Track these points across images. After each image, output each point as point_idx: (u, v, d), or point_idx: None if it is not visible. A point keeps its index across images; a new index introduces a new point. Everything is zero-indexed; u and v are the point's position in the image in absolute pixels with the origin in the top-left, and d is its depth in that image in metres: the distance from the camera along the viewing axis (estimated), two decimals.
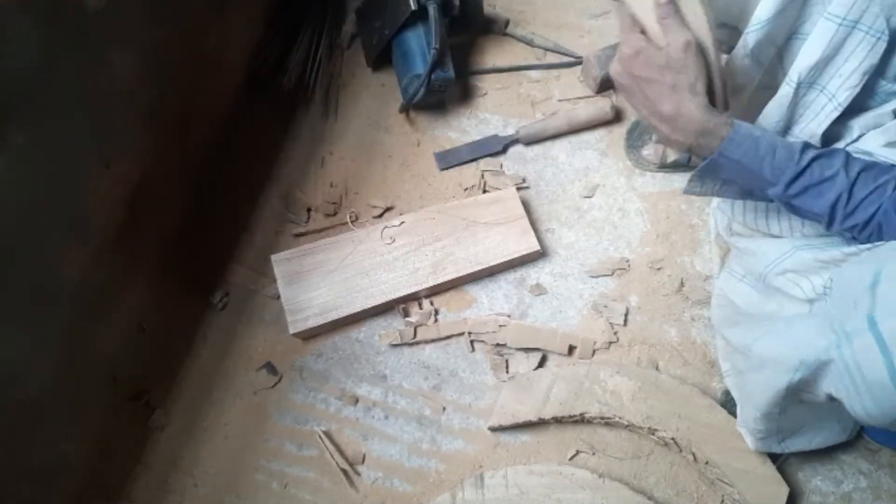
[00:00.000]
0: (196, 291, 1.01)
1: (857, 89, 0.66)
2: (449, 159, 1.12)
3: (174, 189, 1.01)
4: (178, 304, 1.00)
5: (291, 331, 0.94)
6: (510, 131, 1.14)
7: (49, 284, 0.74)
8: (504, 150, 1.14)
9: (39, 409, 0.75)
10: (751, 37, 0.69)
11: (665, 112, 0.65)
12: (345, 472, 0.89)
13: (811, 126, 0.71)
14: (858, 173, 0.62)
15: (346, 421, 0.93)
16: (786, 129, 0.73)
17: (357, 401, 0.94)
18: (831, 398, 0.60)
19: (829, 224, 0.65)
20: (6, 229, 0.65)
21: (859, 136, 0.70)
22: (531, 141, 1.14)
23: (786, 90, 0.70)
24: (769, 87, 0.74)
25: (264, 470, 0.90)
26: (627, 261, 1.04)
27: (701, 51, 0.65)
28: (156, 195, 0.92)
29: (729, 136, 0.63)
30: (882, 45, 0.64)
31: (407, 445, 0.92)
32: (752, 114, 0.79)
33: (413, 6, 1.05)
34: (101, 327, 0.85)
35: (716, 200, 0.98)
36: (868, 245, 0.62)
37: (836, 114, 0.68)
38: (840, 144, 0.71)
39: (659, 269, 1.03)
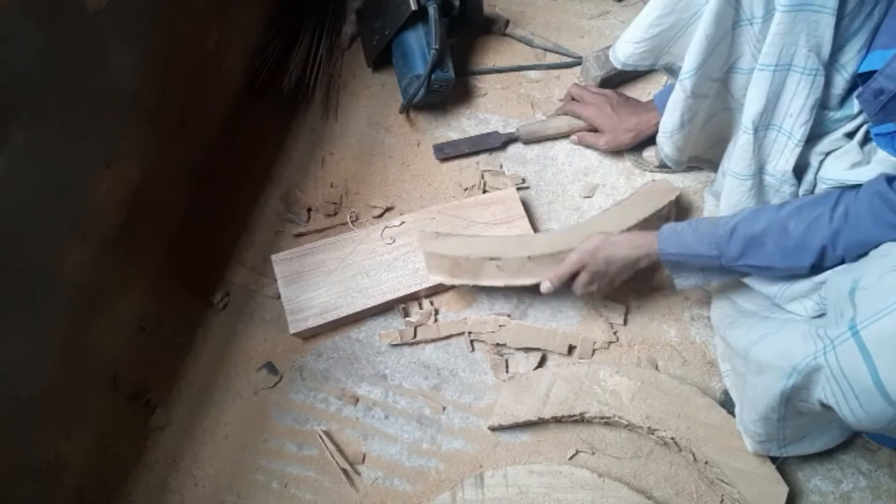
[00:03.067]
0: (196, 291, 1.01)
1: (810, 124, 0.71)
2: (447, 150, 1.12)
3: (174, 189, 1.01)
4: (179, 304, 1.00)
5: (291, 331, 0.94)
6: (510, 131, 1.14)
7: (49, 284, 0.74)
8: (503, 147, 1.14)
9: (39, 409, 0.75)
10: (686, 83, 0.77)
11: (621, 275, 0.86)
12: (345, 471, 0.89)
13: (780, 164, 0.76)
14: (788, 216, 0.68)
15: (346, 421, 0.93)
16: (759, 170, 0.78)
17: (357, 400, 0.94)
18: (824, 405, 0.61)
19: (788, 268, 0.70)
20: (6, 229, 0.65)
21: (821, 164, 0.75)
22: (531, 140, 1.14)
23: (746, 138, 0.75)
24: (725, 110, 0.82)
25: (264, 470, 0.90)
26: None
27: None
28: (156, 195, 0.92)
29: (658, 241, 0.79)
30: (821, 80, 0.68)
31: (407, 445, 0.92)
32: (720, 132, 0.87)
33: (413, 6, 1.05)
34: (102, 327, 0.85)
35: (710, 207, 1.00)
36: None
37: (798, 149, 0.73)
38: (808, 176, 0.76)
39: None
